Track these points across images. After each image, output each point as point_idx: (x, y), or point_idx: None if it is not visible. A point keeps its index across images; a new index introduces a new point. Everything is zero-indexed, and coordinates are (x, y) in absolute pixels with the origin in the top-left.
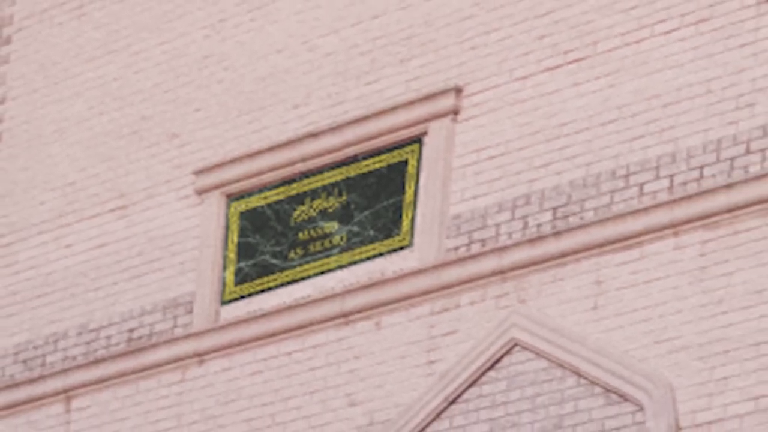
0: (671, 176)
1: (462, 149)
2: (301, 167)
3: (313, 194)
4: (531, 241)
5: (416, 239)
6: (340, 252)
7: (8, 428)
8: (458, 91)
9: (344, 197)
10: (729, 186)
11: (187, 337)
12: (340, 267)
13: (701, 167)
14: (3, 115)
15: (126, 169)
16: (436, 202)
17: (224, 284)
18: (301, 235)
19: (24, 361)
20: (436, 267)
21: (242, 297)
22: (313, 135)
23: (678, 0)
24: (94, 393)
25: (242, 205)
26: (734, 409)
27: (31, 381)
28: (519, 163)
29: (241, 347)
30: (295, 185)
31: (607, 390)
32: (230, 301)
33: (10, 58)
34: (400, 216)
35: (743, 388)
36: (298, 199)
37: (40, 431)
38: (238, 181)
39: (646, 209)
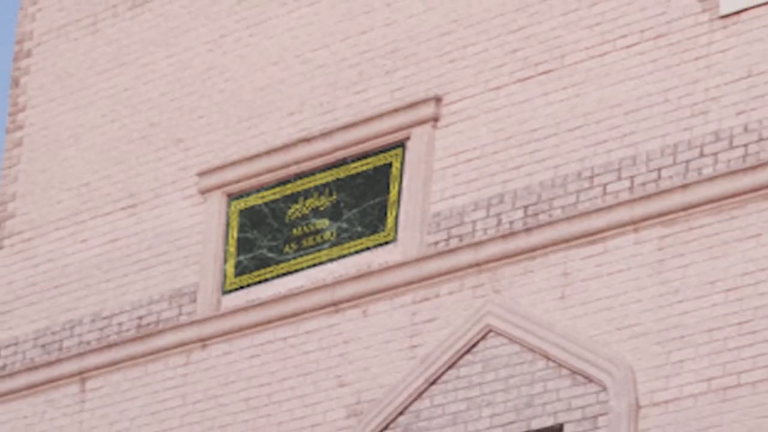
0: (632, 177)
1: (441, 153)
2: (295, 169)
3: (306, 194)
4: (504, 236)
5: (400, 235)
6: (331, 246)
7: (28, 407)
8: (438, 100)
9: (334, 197)
10: (684, 186)
11: (191, 324)
12: (331, 260)
13: (659, 169)
14: (24, 121)
15: (135, 170)
16: (417, 201)
17: (225, 276)
18: (295, 231)
19: (42, 346)
20: (418, 260)
21: (241, 287)
22: (306, 140)
23: (637, 17)
24: (106, 375)
25: (241, 204)
26: (689, 389)
27: (49, 364)
28: (493, 165)
29: (240, 333)
30: (289, 185)
31: (573, 372)
32: (230, 291)
33: (30, 70)
34: (385, 214)
35: (697, 370)
36: (293, 198)
37: (57, 410)
38: (237, 181)
39: (608, 207)
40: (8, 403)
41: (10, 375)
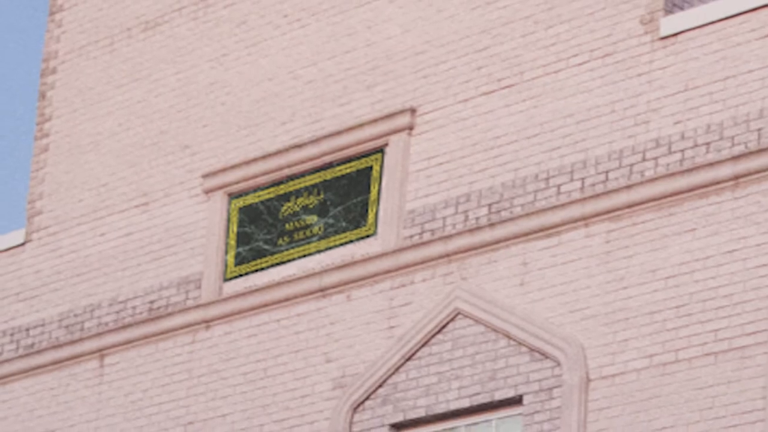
0: (582, 179)
1: (416, 158)
2: (287, 172)
3: (297, 193)
4: (470, 230)
5: (379, 229)
6: (319, 239)
7: (54, 380)
8: (413, 111)
9: (322, 196)
10: (629, 187)
11: (197, 307)
12: (318, 251)
13: (606, 172)
14: (50, 130)
15: (147, 173)
16: (395, 200)
17: (226, 265)
18: (287, 226)
19: (66, 327)
20: (395, 252)
21: (240, 275)
22: (297, 146)
23: (587, 38)
24: (122, 352)
25: (240, 202)
26: (633, 364)
27: (72, 342)
28: (461, 168)
29: (239, 316)
30: (282, 186)
31: (531, 349)
32: (231, 279)
33: (55, 85)
34: (366, 211)
35: (640, 348)
36: (285, 197)
37: (79, 382)
38: (237, 182)
39: (562, 205)
40: (36, 377)
41: (38, 352)
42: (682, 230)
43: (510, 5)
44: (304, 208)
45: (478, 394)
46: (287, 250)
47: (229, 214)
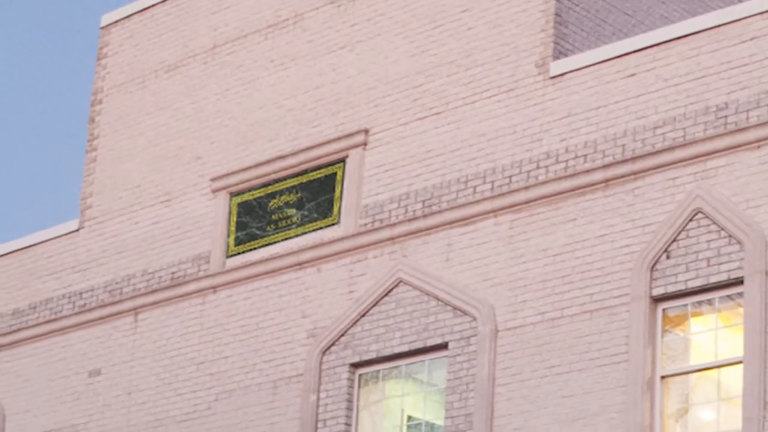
0: (492, 182)
1: (369, 166)
2: (273, 176)
3: (281, 193)
4: (409, 220)
5: (342, 219)
6: (297, 227)
7: (101, 332)
8: (366, 131)
9: (299, 194)
10: (527, 188)
11: (206, 276)
12: (297, 236)
13: (510, 176)
14: (97, 145)
15: (170, 177)
16: (353, 198)
17: (228, 246)
18: (273, 216)
19: (109, 291)
20: (354, 236)
21: (239, 253)
22: (281, 157)
23: (496, 77)
24: (151, 310)
25: (239, 199)
26: (529, 319)
27: (114, 303)
28: (402, 174)
29: (238, 283)
30: (270, 187)
31: (454, 308)
32: (232, 256)
33: (101, 112)
34: (332, 205)
35: (534, 307)
36: (272, 195)
37: (119, 333)
38: (236, 184)
39: (477, 201)
40: (87, 329)
41: (89, 310)
42: (566, 220)
43: (438, 53)
44: (286, 203)
45: (414, 341)
46: (273, 234)
47: (230, 208)
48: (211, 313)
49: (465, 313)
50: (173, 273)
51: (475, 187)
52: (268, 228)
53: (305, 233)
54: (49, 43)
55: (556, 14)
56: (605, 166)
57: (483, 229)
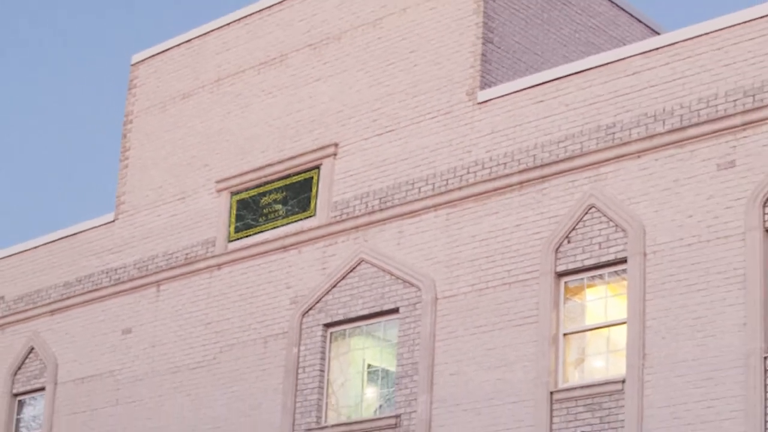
0: (433, 184)
1: (338, 171)
2: (264, 179)
3: (270, 192)
4: (369, 213)
5: (317, 213)
6: (282, 218)
7: (130, 299)
8: (336, 145)
9: (284, 193)
10: (460, 188)
11: (213, 257)
12: (282, 225)
13: (447, 179)
14: (129, 155)
15: (183, 180)
16: (326, 196)
17: (229, 233)
18: (264, 210)
19: (138, 268)
20: (326, 225)
21: (238, 239)
22: (270, 164)
23: (436, 103)
24: (170, 283)
25: (237, 197)
26: (462, 290)
27: (141, 277)
28: (364, 178)
29: (237, 262)
30: (261, 188)
31: (404, 281)
32: (232, 241)
33: (132, 130)
34: (310, 202)
35: (466, 280)
36: (263, 194)
37: (145, 300)
38: (236, 186)
39: (421, 199)
40: (120, 298)
41: (122, 282)
42: (490, 213)
43: (391, 84)
44: (274, 200)
45: (373, 306)
46: (264, 224)
47: (230, 204)
48: (217, 285)
49: (412, 285)
50: (187, 254)
51: (419, 188)
52: (260, 219)
53: (289, 223)
54: (93, 76)
55: (483, 54)
56: (520, 172)
57: (426, 220)
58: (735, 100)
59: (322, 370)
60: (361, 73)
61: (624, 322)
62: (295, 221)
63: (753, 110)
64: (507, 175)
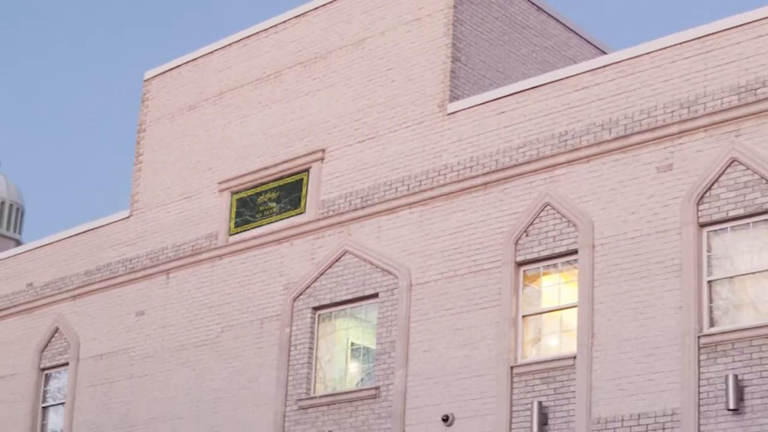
0: (408, 185)
1: (325, 174)
2: (260, 181)
3: (266, 192)
4: (353, 210)
5: (307, 210)
6: (276, 215)
7: (143, 285)
8: (323, 150)
9: (278, 193)
10: (432, 188)
11: (215, 248)
12: (276, 221)
13: (420, 181)
14: (142, 160)
15: (190, 182)
16: (315, 195)
17: (229, 228)
18: (260, 208)
19: (150, 258)
20: (315, 221)
21: (238, 233)
22: (265, 168)
23: (411, 114)
24: (178, 271)
25: (237, 197)
26: (434, 277)
27: (152, 266)
28: (348, 179)
29: (237, 253)
30: (258, 188)
31: (383, 269)
32: (233, 234)
33: (144, 137)
34: (300, 200)
35: (436, 269)
36: (260, 194)
37: (156, 286)
38: (235, 186)
39: (397, 198)
40: (135, 284)
41: (136, 271)
42: (458, 210)
43: (372, 97)
44: (269, 199)
45: (356, 292)
46: (260, 220)
47: (231, 202)
48: (219, 273)
49: (390, 273)
50: (193, 246)
51: (396, 188)
52: (257, 216)
53: (282, 219)
54: (111, 90)
55: (452, 71)
56: (484, 174)
57: (402, 216)
58: (672, 111)
59: (311, 348)
60: (345, 87)
61: (575, 306)
62: (288, 217)
63: (688, 120)
64: (473, 177)
